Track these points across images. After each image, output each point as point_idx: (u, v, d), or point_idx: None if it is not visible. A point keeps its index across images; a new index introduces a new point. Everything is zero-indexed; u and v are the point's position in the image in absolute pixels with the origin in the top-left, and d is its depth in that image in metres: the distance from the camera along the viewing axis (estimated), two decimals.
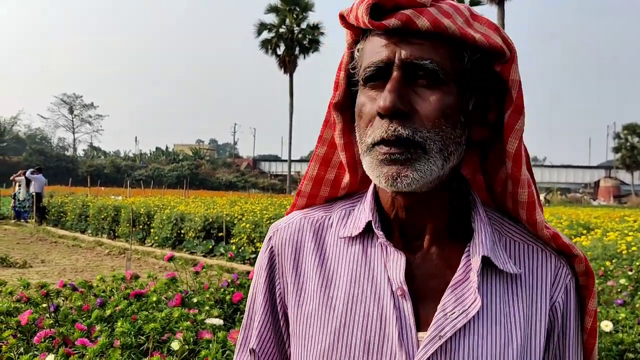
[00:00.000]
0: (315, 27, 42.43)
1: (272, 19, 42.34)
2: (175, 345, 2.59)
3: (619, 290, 4.93)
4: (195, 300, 3.58)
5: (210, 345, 2.65)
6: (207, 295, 3.79)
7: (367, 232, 0.91)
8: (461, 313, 0.82)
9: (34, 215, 19.42)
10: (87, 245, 13.91)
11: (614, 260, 6.87)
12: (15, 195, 20.38)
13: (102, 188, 33.12)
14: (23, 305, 3.32)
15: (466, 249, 0.87)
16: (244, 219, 12.37)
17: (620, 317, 3.68)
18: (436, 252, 0.89)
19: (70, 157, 72.43)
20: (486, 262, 0.86)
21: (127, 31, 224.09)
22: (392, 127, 0.78)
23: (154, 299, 3.35)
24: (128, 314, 3.15)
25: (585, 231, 11.59)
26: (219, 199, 19.86)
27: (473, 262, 0.85)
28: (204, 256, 12.06)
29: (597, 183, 68.99)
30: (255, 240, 11.40)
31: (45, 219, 19.28)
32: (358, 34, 0.86)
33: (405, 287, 0.84)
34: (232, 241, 12.03)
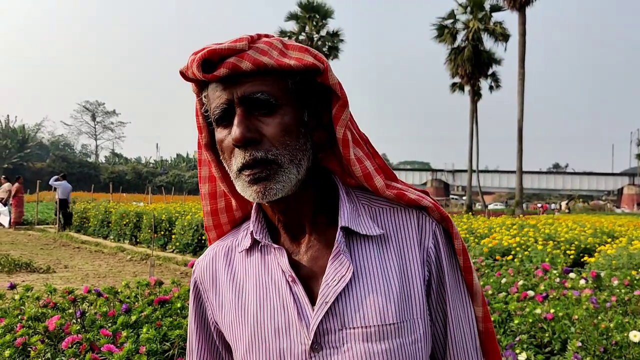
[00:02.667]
0: (334, 34, 42.44)
1: (292, 26, 42.53)
2: None
3: None
4: None
5: None
6: None
7: (259, 241, 1.08)
8: (340, 280, 0.99)
9: (57, 220, 19.73)
10: (109, 251, 14.04)
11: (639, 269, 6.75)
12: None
13: (124, 194, 33.45)
14: (50, 311, 3.36)
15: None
16: None
17: None
18: (317, 237, 1.06)
19: (92, 164, 73.37)
20: (352, 233, 1.03)
21: (149, 38, 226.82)
22: (248, 153, 0.96)
23: (179, 305, 3.36)
24: (153, 320, 3.17)
25: (609, 239, 11.43)
26: None
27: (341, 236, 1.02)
28: None
29: (620, 190, 68.04)
30: None
31: (69, 224, 19.53)
32: (200, 83, 1.02)
33: (293, 274, 1.02)
34: None
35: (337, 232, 1.02)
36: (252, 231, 1.08)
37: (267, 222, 1.10)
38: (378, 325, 0.98)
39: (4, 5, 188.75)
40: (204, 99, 1.03)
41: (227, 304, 1.10)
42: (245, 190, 0.99)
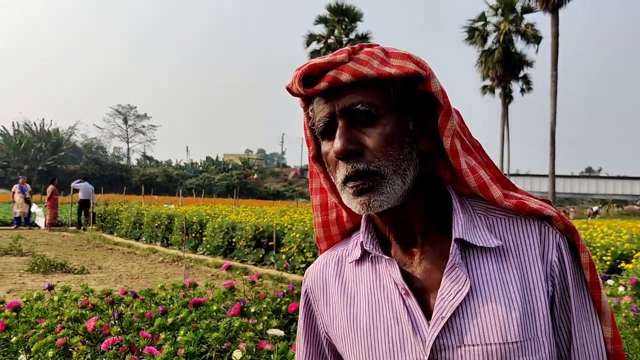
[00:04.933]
0: (363, 37, 42.21)
1: (321, 29, 42.49)
2: (237, 354, 2.61)
3: None
4: (253, 309, 3.60)
5: (272, 356, 2.66)
6: (264, 305, 3.81)
7: (369, 252, 1.07)
8: (456, 294, 0.95)
9: (79, 221, 20.63)
10: (141, 253, 14.23)
11: None
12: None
13: (155, 197, 33.80)
14: (88, 312, 3.41)
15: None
16: (293, 228, 12.39)
17: None
18: (430, 249, 1.02)
19: (124, 166, 74.45)
20: (468, 244, 0.99)
21: (179, 43, 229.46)
22: (350, 165, 0.96)
23: (214, 308, 3.38)
24: (189, 322, 3.20)
25: None
26: (269, 209, 20.00)
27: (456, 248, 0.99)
28: (255, 265, 12.16)
29: None
30: (305, 250, 11.42)
31: (89, 224, 20.13)
32: (307, 98, 1.03)
33: (406, 286, 0.99)
34: (282, 250, 12.09)
35: (452, 244, 0.98)
36: (362, 242, 1.07)
37: (377, 232, 1.08)
38: (499, 344, 0.93)
39: (34, 12, 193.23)
40: (310, 112, 1.04)
41: (338, 314, 1.09)
42: (351, 202, 0.98)
